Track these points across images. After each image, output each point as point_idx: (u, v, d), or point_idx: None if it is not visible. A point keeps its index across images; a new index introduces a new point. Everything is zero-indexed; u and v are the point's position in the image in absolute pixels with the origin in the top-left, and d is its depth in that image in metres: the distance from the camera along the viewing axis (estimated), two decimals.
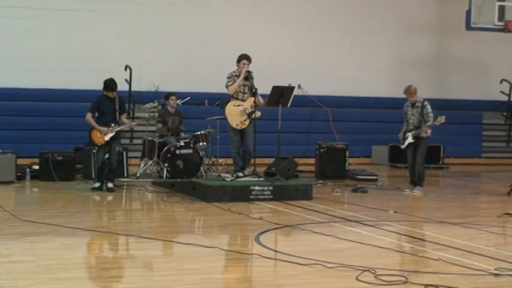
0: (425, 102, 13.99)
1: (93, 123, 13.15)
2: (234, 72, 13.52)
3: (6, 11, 18.19)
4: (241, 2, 20.16)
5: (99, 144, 13.26)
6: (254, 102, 13.27)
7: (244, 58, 13.43)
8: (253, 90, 13.29)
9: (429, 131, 13.97)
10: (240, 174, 13.16)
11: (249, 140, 13.45)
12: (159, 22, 19.41)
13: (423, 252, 8.31)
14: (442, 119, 13.76)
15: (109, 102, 13.16)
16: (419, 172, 14.20)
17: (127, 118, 14.06)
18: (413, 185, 14.24)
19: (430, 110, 13.90)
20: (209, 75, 18.47)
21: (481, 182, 17.96)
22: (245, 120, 13.37)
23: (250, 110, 13.27)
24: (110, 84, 13.12)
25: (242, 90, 13.42)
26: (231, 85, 13.37)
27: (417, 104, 14.01)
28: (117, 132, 13.23)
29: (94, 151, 14.50)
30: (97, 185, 13.24)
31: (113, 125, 13.12)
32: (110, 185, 13.20)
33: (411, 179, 14.36)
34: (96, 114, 13.27)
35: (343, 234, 9.24)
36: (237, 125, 13.37)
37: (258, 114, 13.37)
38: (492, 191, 14.98)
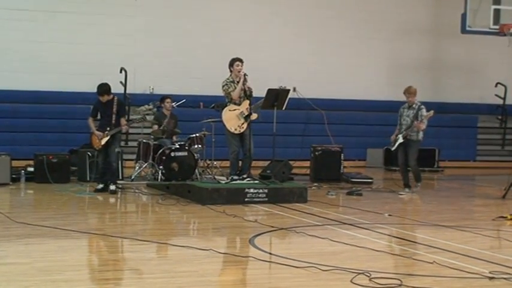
0: (422, 106, 14.22)
1: (92, 127, 13.24)
2: (229, 78, 13.51)
3: (1, 13, 18.16)
4: (236, 4, 20.16)
5: (97, 148, 13.35)
6: (249, 104, 13.29)
7: (237, 60, 13.43)
8: (248, 93, 13.32)
9: (421, 133, 14.08)
10: (235, 177, 13.17)
11: (248, 143, 13.45)
12: (154, 24, 19.41)
13: (418, 255, 8.32)
14: (430, 113, 13.95)
15: (105, 106, 13.18)
16: (415, 172, 14.40)
17: (127, 120, 14.00)
18: (406, 187, 14.34)
19: (425, 113, 14.05)
20: (204, 77, 18.49)
21: (476, 185, 17.99)
22: (242, 124, 13.39)
23: (246, 113, 13.30)
24: (99, 89, 13.15)
25: (239, 94, 13.42)
26: (233, 91, 13.37)
27: (414, 105, 14.20)
28: (114, 134, 13.20)
29: (89, 153, 14.54)
30: (100, 186, 13.26)
31: (108, 128, 13.11)
32: (112, 187, 13.15)
33: (404, 181, 14.45)
34: (99, 117, 13.35)
35: (337, 237, 9.24)
36: (235, 129, 13.39)
37: (255, 116, 13.38)
38: (487, 194, 15.00)
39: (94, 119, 13.38)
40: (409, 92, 14.30)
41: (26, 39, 18.28)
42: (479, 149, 22.28)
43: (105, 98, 13.13)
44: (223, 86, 13.51)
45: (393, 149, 14.38)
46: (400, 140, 14.13)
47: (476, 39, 20.73)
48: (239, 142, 13.54)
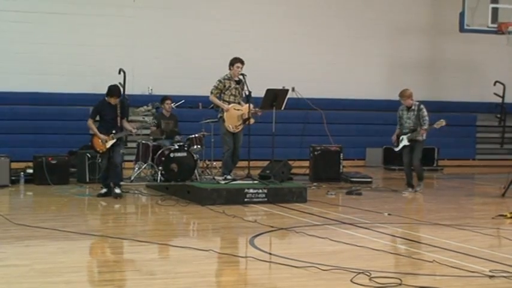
0: (421, 106, 14.20)
1: (95, 129, 12.77)
2: (227, 74, 13.55)
3: (0, 15, 18.14)
4: (235, 5, 20.15)
5: (101, 151, 12.92)
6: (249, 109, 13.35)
7: (238, 62, 13.47)
8: (247, 94, 13.33)
9: (425, 134, 14.10)
10: (229, 176, 13.21)
11: (239, 143, 13.62)
12: (153, 25, 19.39)
13: (418, 254, 8.32)
14: (442, 122, 13.98)
15: (110, 108, 12.75)
16: (419, 172, 14.45)
17: (129, 122, 13.36)
18: (409, 187, 14.37)
19: (426, 113, 14.14)
20: (203, 78, 18.38)
21: (475, 184, 18.00)
22: (239, 124, 13.46)
23: (246, 117, 13.33)
24: (114, 90, 12.72)
25: (234, 93, 13.49)
26: (214, 95, 13.46)
27: (413, 107, 14.18)
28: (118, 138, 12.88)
29: (88, 155, 14.50)
30: (103, 191, 12.91)
31: (114, 131, 12.70)
32: (117, 190, 12.76)
33: (408, 181, 14.49)
34: (98, 118, 12.93)
35: (337, 236, 9.24)
36: (232, 128, 13.45)
37: (252, 121, 13.41)
38: (486, 192, 15.00)
39: (93, 121, 12.98)
40: (404, 95, 14.21)
41: (25, 41, 18.25)
42: (479, 147, 22.29)
43: (115, 101, 12.69)
44: (216, 82, 13.53)
45: (397, 149, 14.43)
46: (405, 143, 14.20)
47: (474, 37, 20.72)
48: (232, 141, 13.56)
